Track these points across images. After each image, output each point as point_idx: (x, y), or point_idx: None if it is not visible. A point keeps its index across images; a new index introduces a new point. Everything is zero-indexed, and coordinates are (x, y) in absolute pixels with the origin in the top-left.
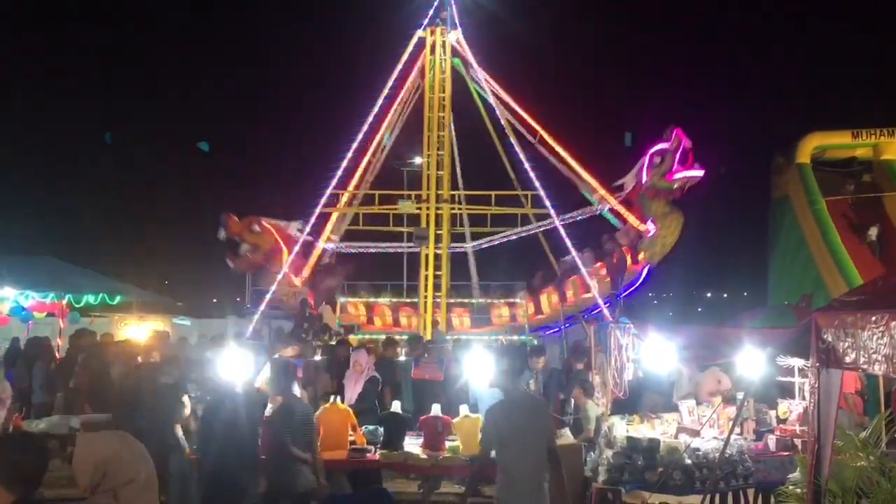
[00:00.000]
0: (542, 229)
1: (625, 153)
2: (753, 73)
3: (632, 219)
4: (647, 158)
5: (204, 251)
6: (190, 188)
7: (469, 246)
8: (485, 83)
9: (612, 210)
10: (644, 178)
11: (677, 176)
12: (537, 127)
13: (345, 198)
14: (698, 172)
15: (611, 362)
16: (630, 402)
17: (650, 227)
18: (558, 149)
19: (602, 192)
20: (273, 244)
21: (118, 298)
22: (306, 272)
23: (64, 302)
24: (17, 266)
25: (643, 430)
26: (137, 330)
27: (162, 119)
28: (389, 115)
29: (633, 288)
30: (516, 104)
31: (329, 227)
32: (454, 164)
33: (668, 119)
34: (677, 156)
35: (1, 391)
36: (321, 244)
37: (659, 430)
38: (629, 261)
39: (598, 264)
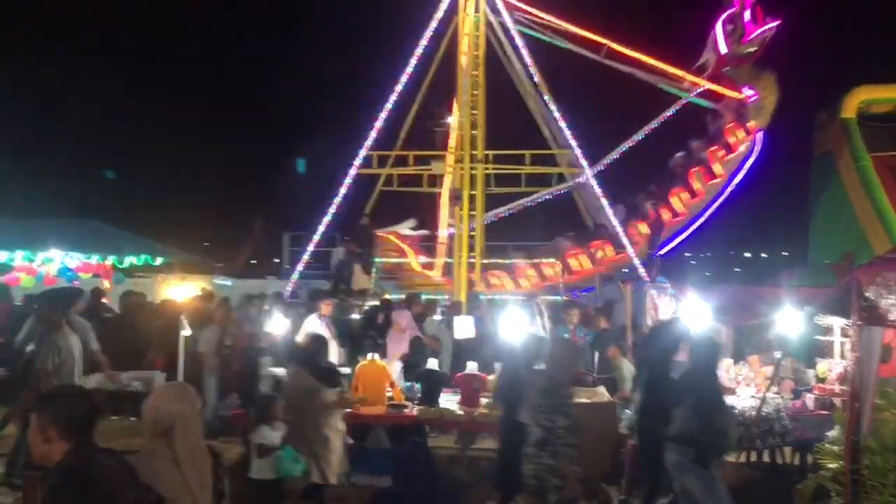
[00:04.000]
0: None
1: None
2: (793, 25)
3: (729, 92)
4: (718, 29)
5: (241, 213)
6: (228, 152)
7: (504, 209)
8: (519, 41)
9: (701, 94)
10: (723, 49)
11: (753, 36)
12: (602, 40)
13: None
14: (772, 24)
15: (647, 322)
16: None
17: (748, 92)
18: (630, 53)
19: (689, 77)
20: (398, 251)
21: (160, 259)
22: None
23: (108, 263)
24: (63, 228)
25: None
26: (180, 290)
27: (200, 84)
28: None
29: (748, 162)
30: (573, 26)
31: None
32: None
33: None
34: (745, 15)
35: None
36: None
37: None
38: (741, 134)
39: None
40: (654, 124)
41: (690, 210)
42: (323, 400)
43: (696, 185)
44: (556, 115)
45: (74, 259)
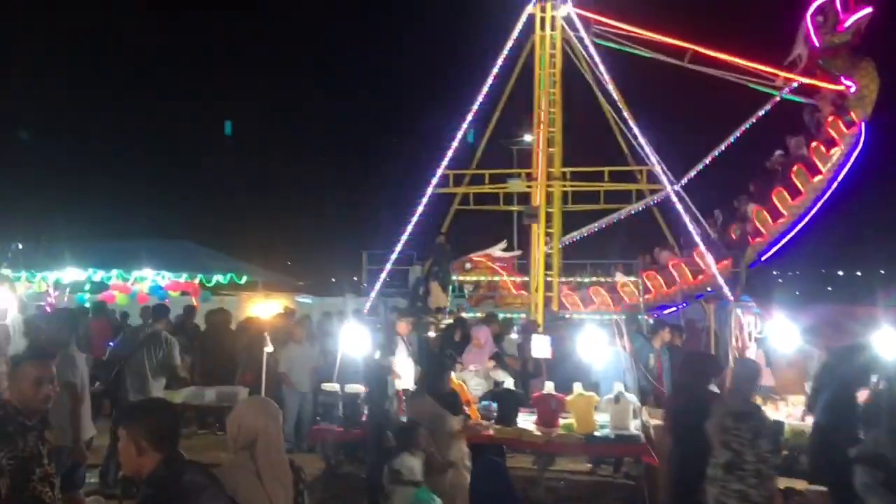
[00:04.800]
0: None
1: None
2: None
3: (827, 85)
4: (808, 21)
5: (322, 233)
6: (306, 174)
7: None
8: (597, 57)
9: (796, 90)
10: (816, 42)
11: (847, 23)
12: (685, 45)
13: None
14: (866, 10)
15: (731, 342)
16: None
17: (849, 83)
18: (716, 55)
19: (782, 74)
20: (490, 273)
21: (245, 278)
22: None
23: (196, 281)
24: (155, 248)
25: (766, 411)
26: (263, 307)
27: (281, 106)
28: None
29: (857, 152)
30: (654, 34)
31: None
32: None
33: None
34: (837, 4)
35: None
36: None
37: (783, 412)
38: (843, 127)
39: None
40: (745, 126)
41: (791, 212)
42: (450, 428)
43: (799, 183)
44: (636, 130)
45: (165, 278)
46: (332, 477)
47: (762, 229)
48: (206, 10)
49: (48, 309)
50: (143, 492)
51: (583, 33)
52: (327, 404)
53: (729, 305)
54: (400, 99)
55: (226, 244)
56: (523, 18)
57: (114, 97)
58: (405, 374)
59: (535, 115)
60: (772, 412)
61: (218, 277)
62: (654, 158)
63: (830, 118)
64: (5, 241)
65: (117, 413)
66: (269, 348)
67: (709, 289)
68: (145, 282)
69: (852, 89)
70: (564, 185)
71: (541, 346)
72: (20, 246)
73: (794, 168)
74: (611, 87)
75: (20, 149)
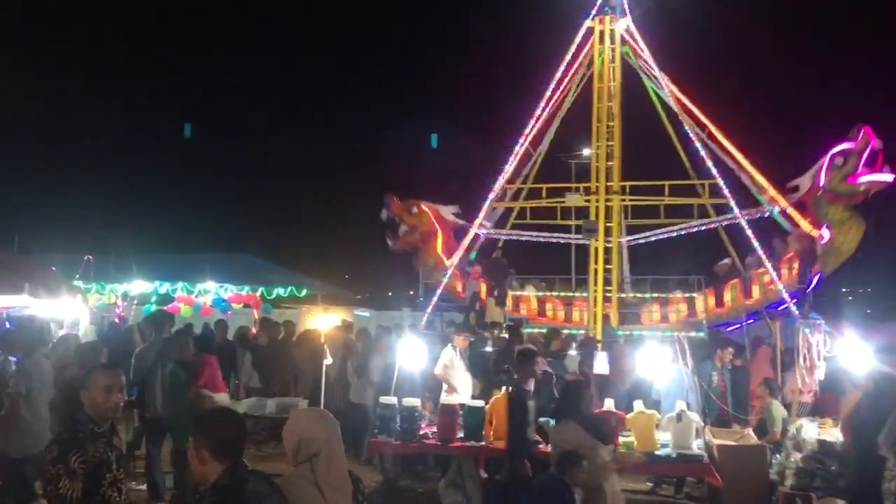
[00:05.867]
0: (719, 223)
1: (804, 154)
2: None
3: (804, 223)
4: (827, 159)
5: (380, 248)
6: (365, 188)
7: (624, 239)
8: (657, 71)
9: (783, 212)
10: (822, 181)
11: (862, 179)
12: (706, 121)
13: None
14: (887, 177)
15: (799, 361)
16: (821, 404)
17: (824, 233)
18: (728, 145)
19: (773, 192)
20: (429, 226)
21: (304, 291)
22: (457, 256)
23: (258, 294)
24: (217, 262)
25: (837, 433)
26: (322, 320)
27: (343, 123)
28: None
29: (802, 294)
30: (684, 96)
31: (482, 214)
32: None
33: (858, 117)
34: (863, 157)
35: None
36: (474, 229)
37: None
38: (793, 272)
39: (790, 254)
40: (731, 218)
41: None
42: (601, 460)
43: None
44: (698, 144)
45: (228, 290)
46: (390, 490)
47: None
48: (293, 31)
49: (117, 320)
50: (207, 499)
51: (643, 47)
52: (385, 417)
53: (797, 322)
54: (457, 114)
55: (286, 258)
56: (582, 32)
57: (183, 117)
58: (463, 388)
59: (593, 128)
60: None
61: (279, 290)
62: (715, 171)
63: (789, 256)
64: (78, 254)
65: (141, 426)
66: (328, 360)
67: (774, 306)
68: (209, 294)
69: (824, 239)
70: (623, 199)
71: (601, 363)
72: (91, 259)
73: (755, 272)
74: (671, 100)
75: (91, 166)
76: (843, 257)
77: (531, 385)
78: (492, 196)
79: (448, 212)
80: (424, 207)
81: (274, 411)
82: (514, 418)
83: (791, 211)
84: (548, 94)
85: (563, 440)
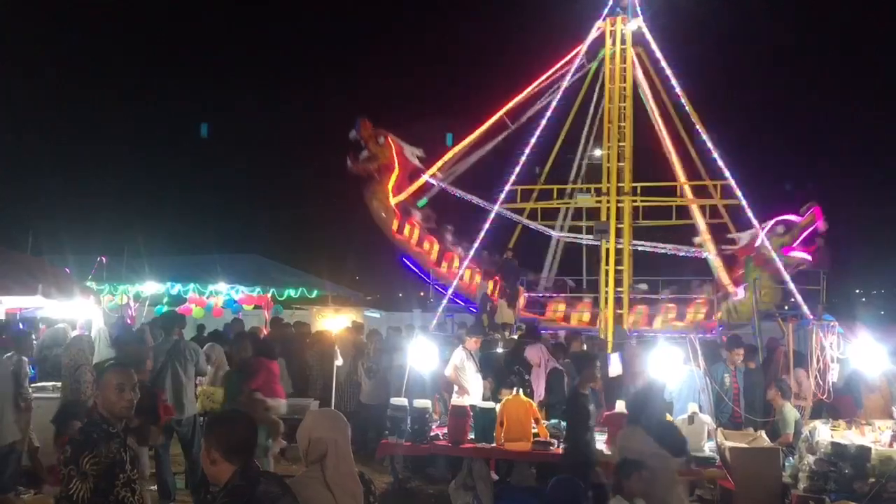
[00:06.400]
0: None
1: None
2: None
3: (723, 276)
4: (770, 223)
5: (391, 249)
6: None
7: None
8: (669, 71)
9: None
10: (758, 241)
11: (793, 254)
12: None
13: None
14: (807, 257)
15: (812, 363)
16: (833, 406)
17: (739, 291)
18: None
19: (707, 237)
20: (389, 160)
21: (315, 292)
22: (404, 195)
23: (269, 295)
24: (229, 263)
25: (850, 436)
26: (333, 321)
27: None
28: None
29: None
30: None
31: (439, 163)
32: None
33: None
34: (804, 234)
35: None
36: (426, 176)
37: (870, 437)
38: (701, 314)
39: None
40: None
41: None
42: (669, 472)
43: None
44: (710, 144)
45: (239, 291)
46: (400, 491)
47: None
48: (311, 31)
49: (129, 321)
50: (220, 500)
51: (654, 48)
52: (396, 418)
53: (809, 324)
54: (467, 115)
55: (297, 259)
56: (593, 33)
57: (195, 118)
58: (474, 389)
59: (605, 129)
60: (858, 437)
61: (289, 291)
62: (727, 173)
63: (699, 300)
64: (91, 255)
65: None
66: (338, 361)
67: (786, 308)
68: (220, 295)
69: (736, 297)
70: (635, 200)
71: (614, 365)
72: (104, 260)
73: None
74: (684, 100)
75: (104, 167)
76: (741, 318)
77: (587, 389)
78: (501, 197)
79: (411, 152)
80: (391, 141)
81: (285, 412)
82: (574, 425)
83: (715, 259)
84: (558, 96)
85: (625, 446)
